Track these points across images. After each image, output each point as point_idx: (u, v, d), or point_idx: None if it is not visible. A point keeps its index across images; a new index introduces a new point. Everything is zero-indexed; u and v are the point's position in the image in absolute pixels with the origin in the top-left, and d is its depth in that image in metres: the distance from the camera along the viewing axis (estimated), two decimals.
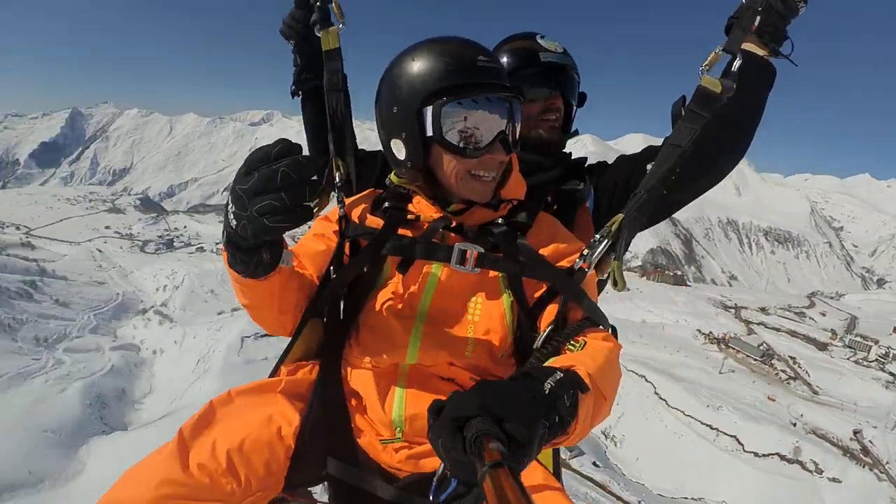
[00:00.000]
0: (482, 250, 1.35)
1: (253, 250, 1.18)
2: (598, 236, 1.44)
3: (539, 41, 1.87)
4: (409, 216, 1.41)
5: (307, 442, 1.33)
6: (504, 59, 1.82)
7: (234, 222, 1.09)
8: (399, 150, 1.34)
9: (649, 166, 1.63)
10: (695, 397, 48.94)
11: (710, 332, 72.66)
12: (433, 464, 1.31)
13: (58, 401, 45.12)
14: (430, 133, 1.28)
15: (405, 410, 1.35)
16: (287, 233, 1.12)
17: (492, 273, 1.36)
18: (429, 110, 1.26)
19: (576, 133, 2.04)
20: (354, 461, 1.38)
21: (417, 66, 1.27)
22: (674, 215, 2.03)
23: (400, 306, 1.38)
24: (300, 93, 1.88)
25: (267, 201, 1.03)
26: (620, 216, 1.47)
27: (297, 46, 1.85)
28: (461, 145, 1.30)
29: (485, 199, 1.40)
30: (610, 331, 1.35)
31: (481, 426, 0.82)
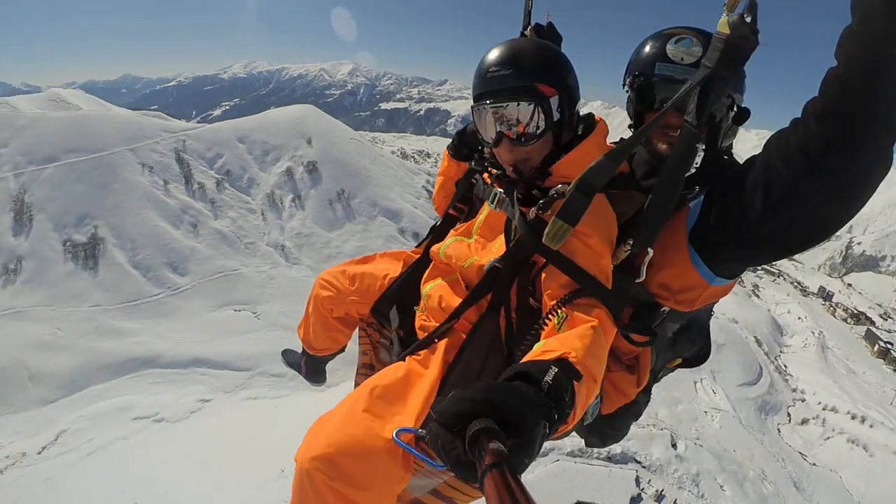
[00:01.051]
0: (503, 195, 1.89)
1: (465, 143, 2.30)
2: (552, 191, 1.73)
3: (668, 47, 1.90)
4: (491, 170, 2.03)
5: (393, 289, 2.32)
6: (639, 56, 1.99)
7: (471, 128, 2.18)
8: None
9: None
10: None
11: None
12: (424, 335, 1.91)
13: None
14: None
15: (431, 290, 2.02)
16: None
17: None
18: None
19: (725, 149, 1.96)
20: (405, 314, 2.21)
21: None
22: None
23: (464, 227, 2.14)
24: None
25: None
26: (578, 178, 1.63)
27: None
28: (483, 139, 1.90)
29: (516, 177, 1.86)
30: (601, 299, 1.58)
31: (482, 426, 0.93)
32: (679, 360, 2.24)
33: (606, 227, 1.72)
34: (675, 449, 16.91)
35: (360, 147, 36.72)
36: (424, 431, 1.04)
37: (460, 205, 2.38)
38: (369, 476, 1.48)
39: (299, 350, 3.09)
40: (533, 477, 13.01)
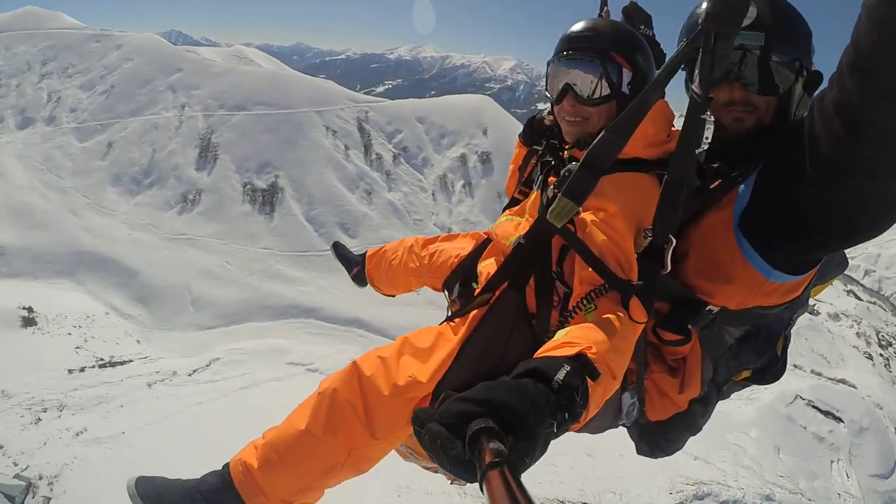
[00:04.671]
0: (540, 175, 2.07)
1: (535, 129, 2.41)
2: (564, 170, 1.79)
3: None
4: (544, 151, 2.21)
5: (461, 266, 2.50)
6: (691, 19, 1.87)
7: (540, 115, 2.46)
8: None
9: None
10: None
11: None
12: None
13: None
14: None
15: (482, 268, 2.21)
16: None
17: None
18: None
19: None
20: (468, 289, 2.39)
21: None
22: None
23: (518, 208, 2.29)
24: None
25: None
26: (584, 155, 1.58)
27: None
28: (550, 97, 2.03)
29: (571, 139, 1.97)
30: (621, 292, 1.52)
31: (482, 426, 0.92)
32: (747, 374, 2.05)
33: (636, 208, 1.66)
34: None
35: None
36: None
37: (524, 188, 2.47)
38: (379, 414, 1.63)
39: (353, 251, 3.58)
40: None
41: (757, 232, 1.60)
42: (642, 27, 2.34)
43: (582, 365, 1.20)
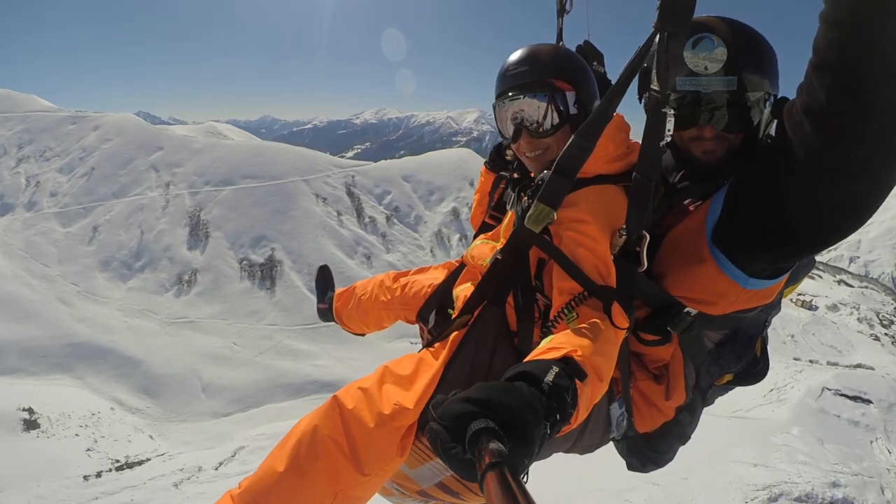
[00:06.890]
0: (512, 193, 2.09)
1: (502, 155, 2.47)
2: (537, 178, 1.81)
3: (686, 54, 1.66)
4: (514, 175, 2.27)
5: (434, 295, 2.40)
6: None
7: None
8: None
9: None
10: None
11: None
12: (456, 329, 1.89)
13: None
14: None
15: (458, 292, 2.17)
16: None
17: None
18: None
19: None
20: (443, 317, 2.31)
21: None
22: None
23: (493, 232, 2.31)
24: None
25: None
26: (556, 161, 1.63)
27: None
28: (504, 136, 2.04)
29: (536, 171, 1.97)
30: (601, 298, 1.54)
31: (482, 426, 0.94)
32: (729, 377, 2.07)
33: (607, 213, 1.70)
34: (884, 494, 17.99)
35: None
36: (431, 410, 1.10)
37: (495, 213, 2.51)
38: (365, 447, 1.55)
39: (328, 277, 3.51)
40: None
41: (731, 242, 1.61)
42: (595, 64, 2.38)
43: (569, 367, 1.22)
